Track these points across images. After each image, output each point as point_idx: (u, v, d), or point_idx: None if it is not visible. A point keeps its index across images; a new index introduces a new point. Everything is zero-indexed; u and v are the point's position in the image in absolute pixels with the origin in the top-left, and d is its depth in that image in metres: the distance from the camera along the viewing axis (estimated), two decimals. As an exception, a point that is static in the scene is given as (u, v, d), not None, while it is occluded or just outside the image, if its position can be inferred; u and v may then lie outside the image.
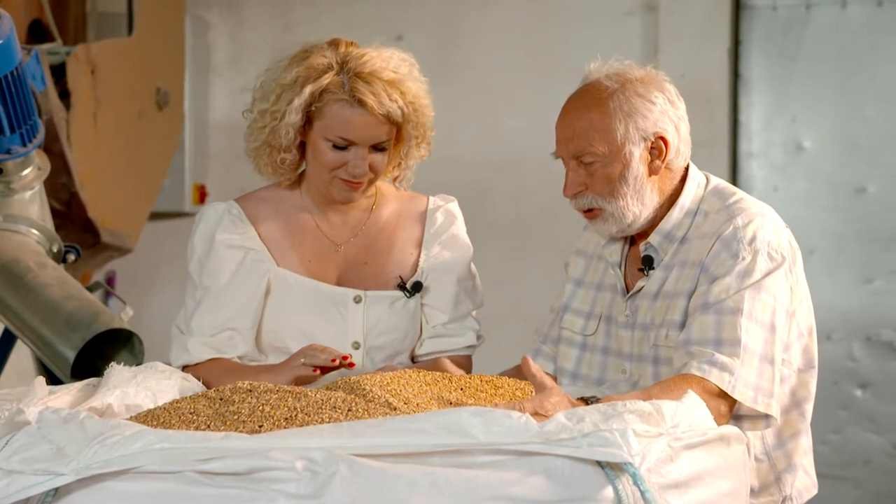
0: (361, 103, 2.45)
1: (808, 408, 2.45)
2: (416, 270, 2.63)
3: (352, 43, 2.53)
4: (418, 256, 2.63)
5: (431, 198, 2.70)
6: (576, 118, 2.41)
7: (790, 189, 4.85)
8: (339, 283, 2.59)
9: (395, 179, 2.64)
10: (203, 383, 2.47)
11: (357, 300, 2.57)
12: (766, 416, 2.30)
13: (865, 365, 4.81)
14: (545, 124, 4.98)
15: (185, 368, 2.55)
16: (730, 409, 2.26)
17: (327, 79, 2.46)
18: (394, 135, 2.53)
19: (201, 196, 5.17)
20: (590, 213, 2.45)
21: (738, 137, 4.91)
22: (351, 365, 2.39)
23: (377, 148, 2.51)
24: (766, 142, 4.89)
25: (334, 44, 2.52)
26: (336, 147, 2.49)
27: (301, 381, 2.38)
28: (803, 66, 4.84)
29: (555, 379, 2.59)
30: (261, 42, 5.25)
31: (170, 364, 2.51)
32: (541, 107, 4.97)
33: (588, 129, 2.38)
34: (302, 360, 2.39)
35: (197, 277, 2.59)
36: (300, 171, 2.63)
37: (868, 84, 4.79)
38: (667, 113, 2.40)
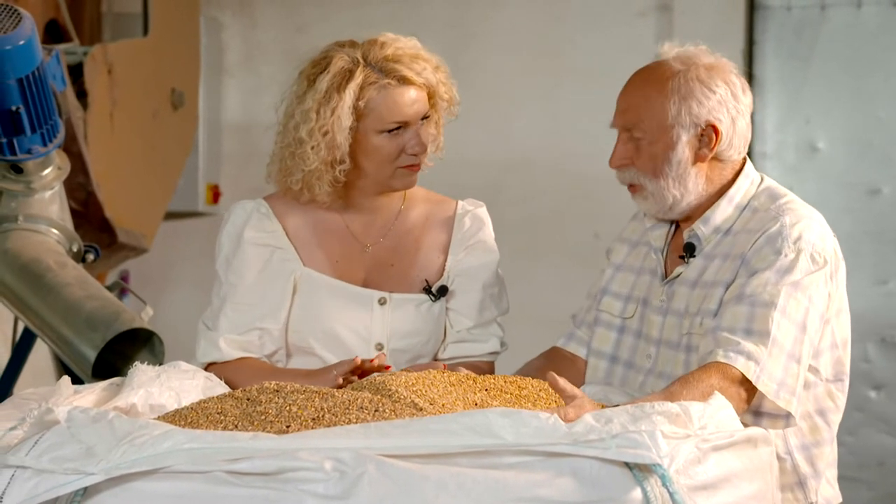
0: (403, 80, 2.49)
1: (834, 419, 2.44)
2: (442, 274, 2.63)
3: (353, 41, 2.55)
4: (445, 260, 2.64)
5: (460, 202, 2.70)
6: (634, 91, 2.43)
7: (803, 190, 4.83)
8: (366, 285, 2.59)
9: (434, 151, 2.63)
10: (228, 381, 2.48)
11: (382, 302, 2.57)
12: (787, 416, 2.30)
13: (879, 366, 4.81)
14: (555, 125, 5.02)
15: (211, 365, 2.55)
16: (750, 397, 2.25)
17: (360, 74, 2.48)
18: (431, 104, 2.57)
19: (215, 196, 5.17)
20: (632, 187, 2.46)
21: (751, 138, 4.90)
22: (386, 367, 2.39)
23: (423, 120, 2.55)
24: (780, 143, 4.89)
25: (340, 45, 2.54)
26: (389, 133, 2.51)
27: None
28: (817, 67, 4.84)
29: (585, 364, 2.59)
30: (273, 43, 5.25)
31: (192, 362, 2.51)
32: (551, 108, 4.99)
33: (641, 104, 2.40)
34: (335, 371, 2.40)
35: (224, 275, 2.59)
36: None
37: (882, 85, 4.79)
38: (725, 104, 2.40)
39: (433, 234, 2.65)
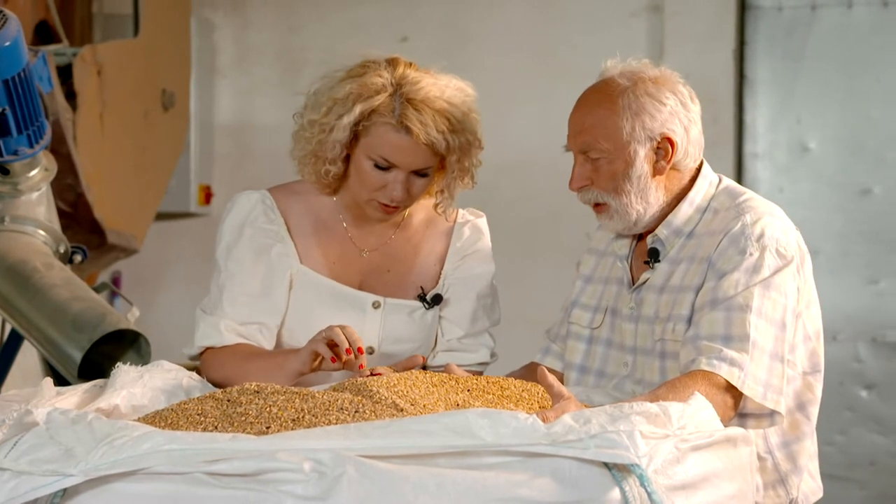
0: (408, 130, 2.45)
1: (813, 411, 2.46)
2: (437, 282, 2.63)
3: (411, 64, 2.52)
4: (441, 268, 2.64)
5: (461, 211, 2.69)
6: (586, 113, 2.43)
7: (795, 190, 4.86)
8: (361, 289, 2.59)
9: (435, 206, 2.64)
10: (221, 366, 2.48)
11: (376, 306, 2.57)
12: (771, 415, 2.32)
13: (871, 366, 4.81)
14: (550, 126, 5.00)
15: (207, 350, 2.54)
16: (736, 404, 2.27)
17: (379, 100, 2.45)
18: (437, 163, 2.52)
19: (207, 197, 5.18)
20: (596, 207, 2.47)
21: (743, 138, 4.91)
22: (360, 366, 2.37)
23: (418, 174, 2.51)
24: (772, 143, 4.89)
25: (393, 63, 2.51)
26: (377, 167, 2.49)
27: (315, 358, 2.37)
28: (809, 68, 4.84)
29: (562, 377, 2.60)
30: (265, 44, 5.26)
31: (176, 362, 2.50)
32: (546, 109, 4.98)
33: (595, 125, 2.40)
34: (323, 333, 2.38)
35: (223, 263, 2.58)
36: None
37: (873, 85, 4.80)
38: (677, 114, 2.40)
39: (431, 242, 2.65)
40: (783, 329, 2.31)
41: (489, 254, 2.69)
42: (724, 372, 2.24)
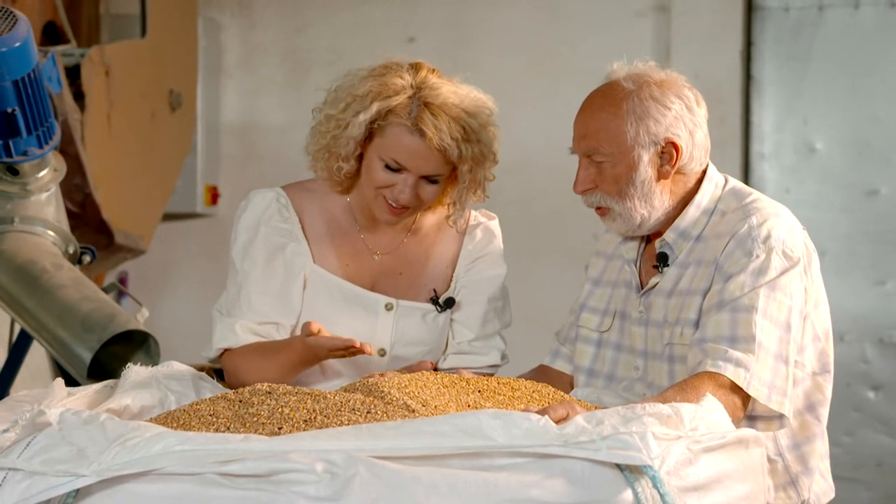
0: (422, 133, 2.45)
1: (823, 412, 2.45)
2: (449, 285, 2.63)
3: (434, 70, 2.53)
4: (453, 271, 2.64)
5: (473, 212, 2.69)
6: (590, 117, 2.42)
7: (802, 191, 4.86)
8: (373, 290, 2.59)
9: (447, 218, 2.63)
10: (237, 368, 2.48)
11: (388, 308, 2.57)
12: (780, 417, 2.31)
13: (878, 367, 4.81)
14: (554, 127, 5.02)
15: (226, 352, 2.54)
16: (744, 404, 2.27)
17: (397, 100, 2.46)
18: (448, 172, 2.52)
19: (213, 197, 5.18)
20: (599, 210, 2.47)
21: (749, 139, 4.91)
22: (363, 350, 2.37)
23: (429, 179, 2.50)
24: (778, 143, 4.89)
25: (416, 67, 2.51)
26: (388, 167, 2.49)
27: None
28: (815, 68, 4.84)
29: (572, 380, 2.60)
30: (271, 44, 5.26)
31: (183, 362, 2.50)
32: (550, 109, 4.99)
33: (599, 129, 2.40)
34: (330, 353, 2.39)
35: (239, 263, 2.58)
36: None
37: (880, 86, 4.79)
38: (682, 119, 2.40)
39: (444, 245, 2.65)
40: (788, 331, 2.31)
41: (500, 256, 2.68)
42: (730, 373, 2.24)
